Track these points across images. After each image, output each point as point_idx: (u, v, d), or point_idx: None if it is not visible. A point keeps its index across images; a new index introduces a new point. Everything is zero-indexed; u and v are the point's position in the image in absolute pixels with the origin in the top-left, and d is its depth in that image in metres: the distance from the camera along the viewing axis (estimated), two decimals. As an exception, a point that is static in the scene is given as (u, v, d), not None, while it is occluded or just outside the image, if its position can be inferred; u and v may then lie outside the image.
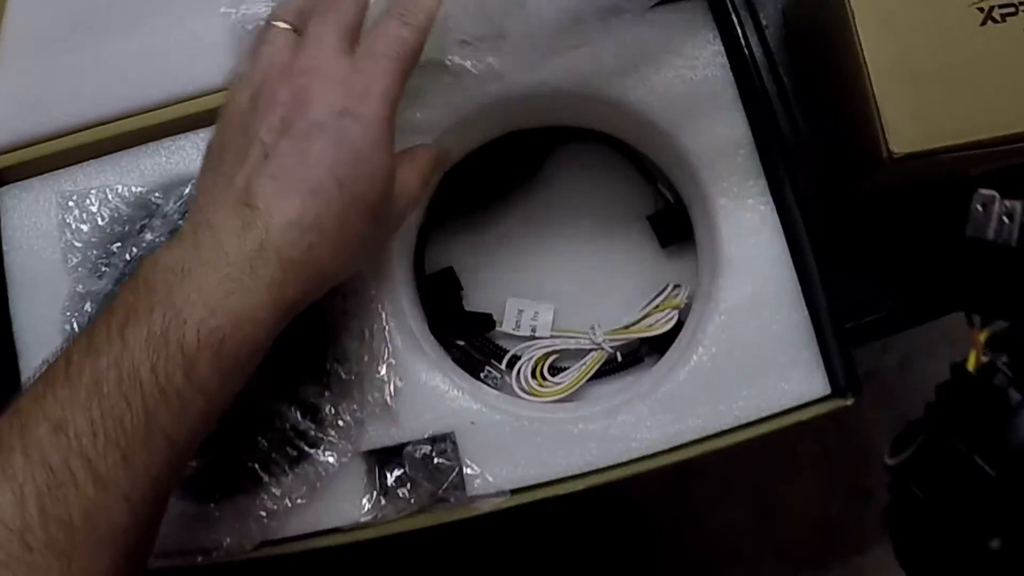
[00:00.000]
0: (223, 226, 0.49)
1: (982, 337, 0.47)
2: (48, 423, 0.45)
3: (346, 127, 0.51)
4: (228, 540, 0.64)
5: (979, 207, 0.51)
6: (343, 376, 0.64)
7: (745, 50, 0.65)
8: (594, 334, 0.71)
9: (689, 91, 0.65)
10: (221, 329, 0.47)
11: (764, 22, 0.78)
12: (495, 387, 0.72)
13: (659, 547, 1.42)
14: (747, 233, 0.64)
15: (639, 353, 0.73)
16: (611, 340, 0.71)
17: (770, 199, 0.64)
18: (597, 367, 0.71)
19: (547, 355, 0.71)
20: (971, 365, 0.46)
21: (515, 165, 0.75)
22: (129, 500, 0.45)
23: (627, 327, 0.71)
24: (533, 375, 0.71)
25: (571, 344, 0.71)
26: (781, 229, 0.64)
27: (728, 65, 0.66)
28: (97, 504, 0.44)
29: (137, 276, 0.49)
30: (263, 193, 0.49)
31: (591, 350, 0.71)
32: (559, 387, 0.70)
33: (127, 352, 0.46)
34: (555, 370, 0.72)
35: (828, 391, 0.62)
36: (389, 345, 0.65)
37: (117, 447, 0.45)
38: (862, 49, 0.64)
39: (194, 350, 0.46)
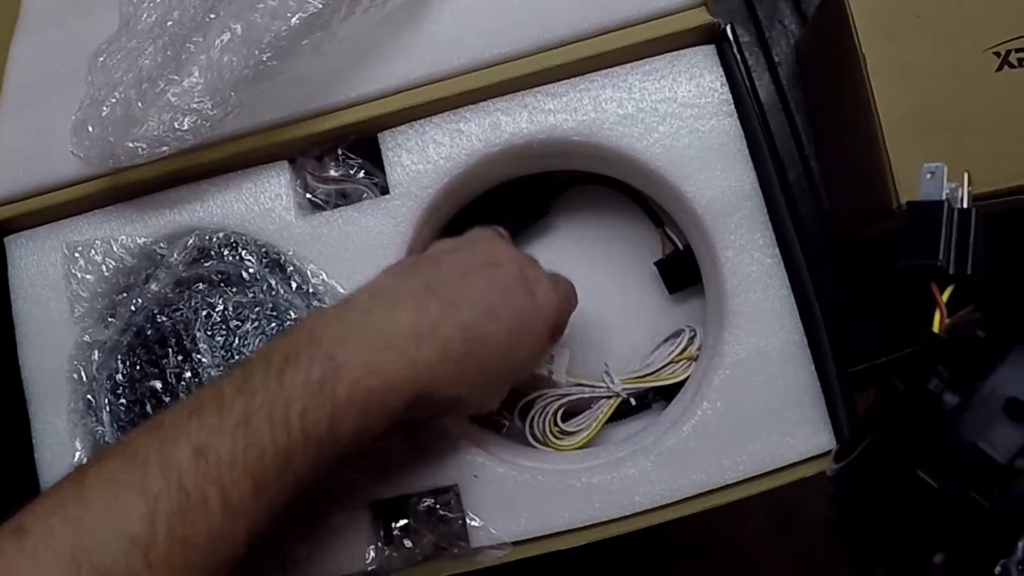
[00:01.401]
0: (400, 303, 0.52)
1: (945, 297, 0.46)
2: (190, 447, 0.46)
3: (535, 289, 0.56)
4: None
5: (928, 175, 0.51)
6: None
7: (752, 100, 0.64)
8: (611, 381, 0.70)
9: (695, 141, 0.65)
10: (373, 391, 0.49)
11: (777, 59, 0.77)
12: (501, 433, 0.72)
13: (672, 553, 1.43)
14: (753, 286, 0.64)
15: (647, 399, 0.72)
16: (627, 388, 0.70)
17: (777, 251, 0.64)
18: (610, 414, 0.70)
19: (563, 404, 0.71)
20: (936, 327, 0.45)
21: (524, 208, 0.75)
22: (250, 532, 0.47)
23: (644, 376, 0.70)
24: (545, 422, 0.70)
25: (587, 392, 0.71)
26: (788, 282, 0.63)
27: (736, 115, 0.65)
28: (223, 531, 0.46)
29: (302, 326, 0.52)
30: (446, 293, 0.53)
31: (606, 397, 0.70)
32: (577, 439, 0.70)
33: (282, 393, 0.48)
34: (566, 415, 0.71)
35: (834, 445, 0.61)
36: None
37: (251, 479, 0.46)
38: (874, 100, 0.64)
39: (344, 404, 0.48)
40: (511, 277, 0.55)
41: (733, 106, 0.65)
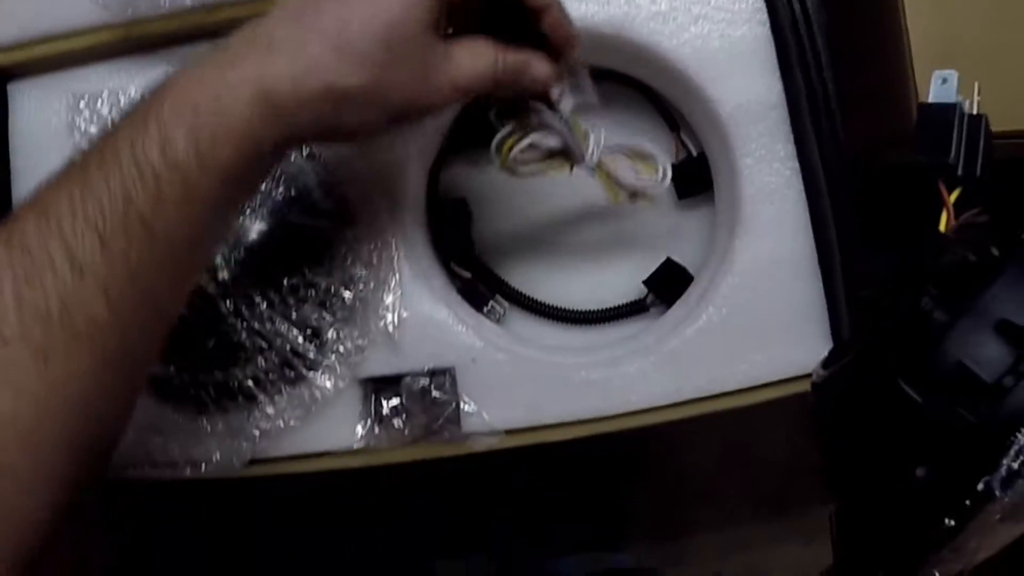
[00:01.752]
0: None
1: (952, 199, 0.46)
2: (34, 211, 0.44)
3: None
4: (218, 455, 0.65)
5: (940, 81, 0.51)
6: (347, 301, 0.64)
7: (787, 9, 0.63)
8: (592, 156, 0.61)
9: (726, 46, 0.65)
10: (193, 99, 0.46)
11: (805, -21, 0.76)
12: (497, 322, 0.72)
13: (626, 478, 1.45)
14: (769, 196, 0.64)
15: (644, 302, 0.72)
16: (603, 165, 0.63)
17: (796, 164, 0.64)
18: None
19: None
20: (943, 226, 0.46)
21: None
22: (107, 294, 0.44)
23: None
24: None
25: (565, 142, 0.60)
26: (804, 196, 0.63)
27: (768, 23, 0.64)
28: (74, 292, 0.43)
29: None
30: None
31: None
32: (523, 170, 0.61)
33: (112, 137, 0.46)
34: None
35: (833, 363, 0.62)
36: (397, 273, 0.65)
37: (95, 231, 0.44)
38: (906, 24, 0.63)
39: (168, 120, 0.45)
40: None
41: (767, 14, 0.64)
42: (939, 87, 0.50)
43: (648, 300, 0.72)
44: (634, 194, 0.63)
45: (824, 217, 0.63)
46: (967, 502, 0.38)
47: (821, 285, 0.63)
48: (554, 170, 0.61)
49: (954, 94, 0.50)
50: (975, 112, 0.51)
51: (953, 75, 0.50)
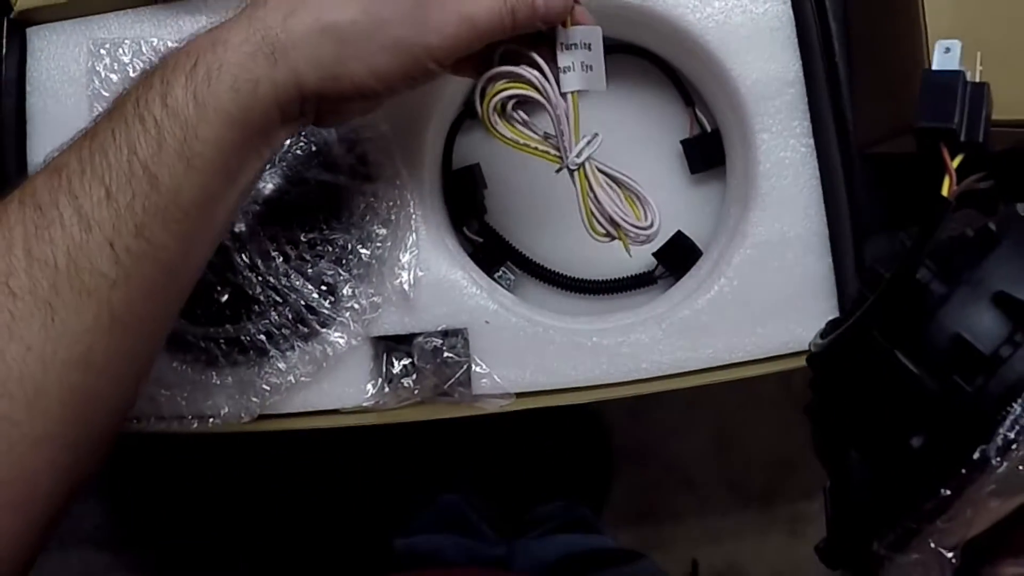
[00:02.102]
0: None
1: (955, 164, 0.47)
2: (47, 170, 0.45)
3: None
4: (226, 409, 0.66)
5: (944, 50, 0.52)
6: (364, 259, 0.65)
7: (809, -8, 0.65)
8: (575, 153, 0.56)
9: (748, 22, 0.66)
10: (194, 52, 0.47)
11: (821, -34, 0.77)
12: (508, 288, 0.73)
13: (611, 464, 1.47)
14: (784, 171, 0.65)
15: (653, 274, 0.73)
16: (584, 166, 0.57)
17: (811, 141, 0.65)
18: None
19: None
20: (945, 191, 0.47)
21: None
22: (113, 247, 0.44)
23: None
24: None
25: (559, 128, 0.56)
26: (818, 173, 0.65)
27: (790, 2, 0.66)
28: (80, 245, 0.44)
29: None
30: None
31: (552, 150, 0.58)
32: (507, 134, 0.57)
33: (121, 99, 0.47)
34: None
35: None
36: (414, 233, 0.66)
37: (101, 183, 0.44)
38: (924, 11, 0.64)
39: (170, 75, 0.46)
40: None
41: (790, -5, 0.66)
42: (942, 55, 0.51)
43: (657, 272, 0.74)
44: (609, 230, 0.57)
45: (837, 194, 0.64)
46: (963, 471, 0.39)
47: (831, 261, 0.65)
48: (538, 154, 0.56)
49: (957, 63, 0.51)
50: (977, 80, 0.52)
51: (956, 44, 0.51)
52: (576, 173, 0.56)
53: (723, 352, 0.64)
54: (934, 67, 0.53)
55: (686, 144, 0.74)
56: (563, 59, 0.54)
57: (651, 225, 0.58)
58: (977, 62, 0.54)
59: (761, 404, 1.45)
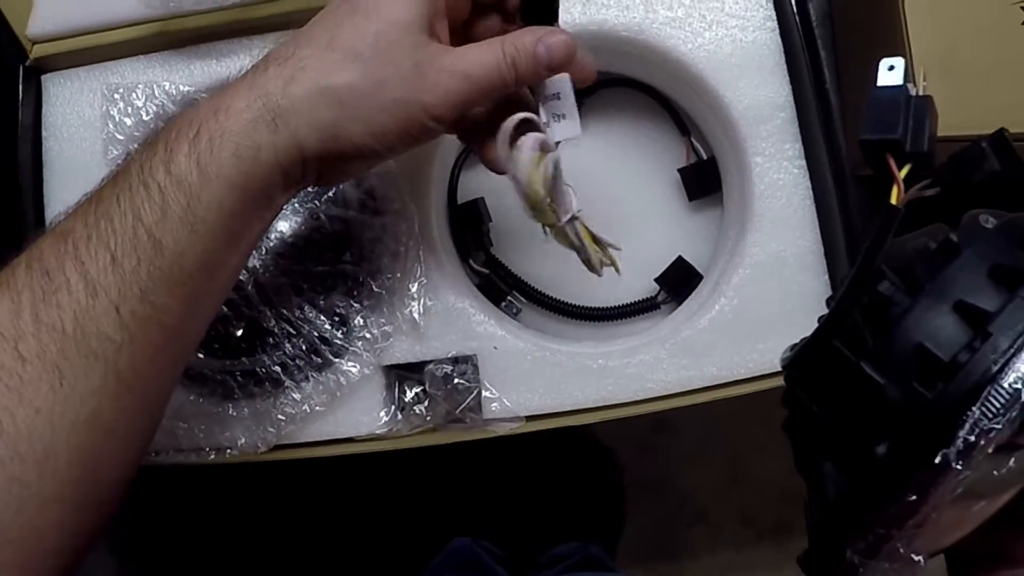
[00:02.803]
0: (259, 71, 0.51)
1: (902, 174, 0.49)
2: (53, 235, 0.47)
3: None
4: (243, 440, 0.68)
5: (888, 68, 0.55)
6: (375, 289, 0.68)
7: (795, 18, 0.68)
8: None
9: (738, 51, 0.69)
10: (197, 119, 0.48)
11: (809, -4, 0.81)
12: (514, 317, 0.75)
13: (624, 499, 1.49)
14: (778, 193, 0.68)
15: (656, 299, 0.76)
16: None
17: (804, 163, 0.69)
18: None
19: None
20: (894, 199, 0.49)
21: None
22: (119, 311, 0.46)
23: None
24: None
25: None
26: (811, 193, 0.68)
27: (778, 30, 0.69)
28: (87, 310, 0.45)
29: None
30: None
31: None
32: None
33: (125, 165, 0.49)
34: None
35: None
36: (422, 264, 0.69)
37: (107, 249, 0.46)
38: (908, 34, 0.67)
39: (173, 142, 0.48)
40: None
41: (776, 22, 0.69)
42: (886, 72, 0.54)
43: (660, 297, 0.77)
44: (589, 249, 0.61)
45: (830, 212, 0.67)
46: (925, 476, 0.39)
47: (827, 278, 0.67)
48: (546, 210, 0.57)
49: (900, 79, 0.54)
50: (920, 94, 0.55)
51: (900, 61, 0.54)
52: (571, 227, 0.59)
53: (725, 369, 0.67)
54: (878, 83, 0.56)
55: (683, 172, 0.77)
56: (543, 113, 0.56)
57: (612, 263, 0.62)
58: (921, 77, 0.57)
59: (774, 436, 1.46)
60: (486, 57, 0.52)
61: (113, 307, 0.46)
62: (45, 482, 0.44)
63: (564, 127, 0.56)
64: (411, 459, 0.69)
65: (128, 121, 0.70)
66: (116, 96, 0.70)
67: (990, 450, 0.38)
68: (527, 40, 0.53)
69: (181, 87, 0.70)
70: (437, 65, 0.51)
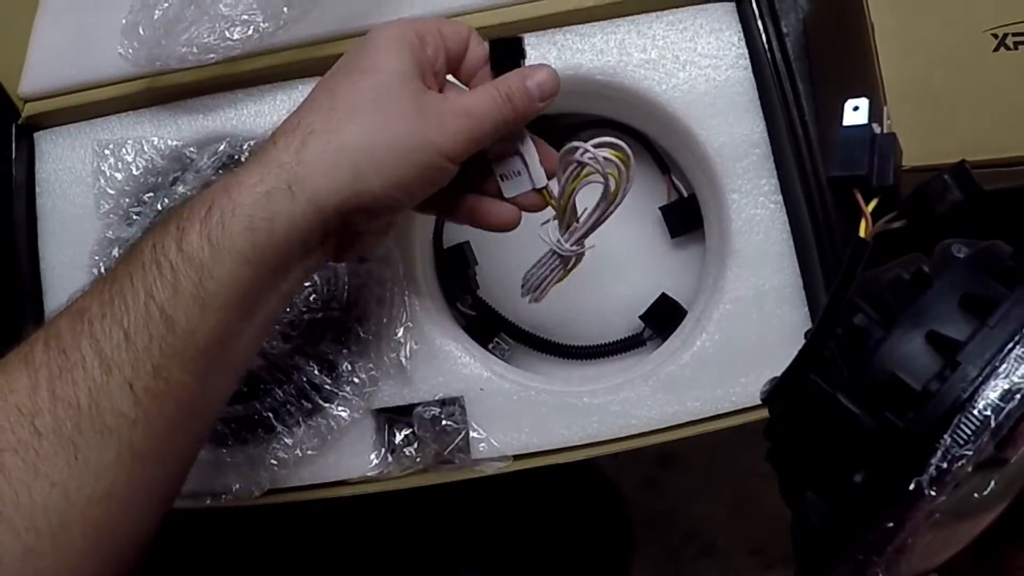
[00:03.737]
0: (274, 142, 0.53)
1: (869, 208, 0.51)
2: (69, 313, 0.49)
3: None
4: (238, 485, 0.70)
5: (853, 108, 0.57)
6: (362, 335, 0.70)
7: (767, 55, 0.71)
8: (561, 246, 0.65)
9: (711, 90, 0.72)
10: (209, 198, 0.50)
11: (786, 30, 0.84)
12: (502, 358, 0.78)
13: (630, 533, 1.50)
14: (755, 228, 0.70)
15: (642, 336, 0.79)
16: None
17: (780, 198, 0.71)
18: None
19: None
20: (862, 232, 0.50)
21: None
22: (132, 388, 0.47)
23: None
24: None
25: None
26: (788, 227, 0.70)
27: (751, 68, 0.72)
28: (101, 387, 0.47)
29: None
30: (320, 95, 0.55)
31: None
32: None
33: (139, 243, 0.51)
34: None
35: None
36: (407, 309, 0.71)
37: (120, 327, 0.48)
38: (879, 64, 0.69)
39: (185, 221, 0.50)
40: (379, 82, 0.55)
41: (748, 60, 0.72)
42: (851, 112, 0.57)
43: (645, 334, 0.79)
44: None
45: (807, 246, 0.69)
46: (900, 503, 0.41)
47: (807, 310, 0.69)
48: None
49: (865, 118, 0.57)
50: (886, 131, 0.58)
51: (864, 102, 0.57)
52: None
53: (708, 404, 0.69)
54: (844, 123, 0.59)
55: (665, 210, 0.80)
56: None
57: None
58: (884, 116, 0.60)
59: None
60: (482, 97, 0.56)
61: (127, 384, 0.47)
62: (60, 554, 0.46)
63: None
64: (412, 496, 0.71)
65: (119, 176, 0.73)
66: (107, 152, 0.73)
67: (970, 469, 0.40)
68: (515, 79, 0.57)
69: (169, 141, 0.73)
70: (439, 107, 0.55)
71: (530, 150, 0.61)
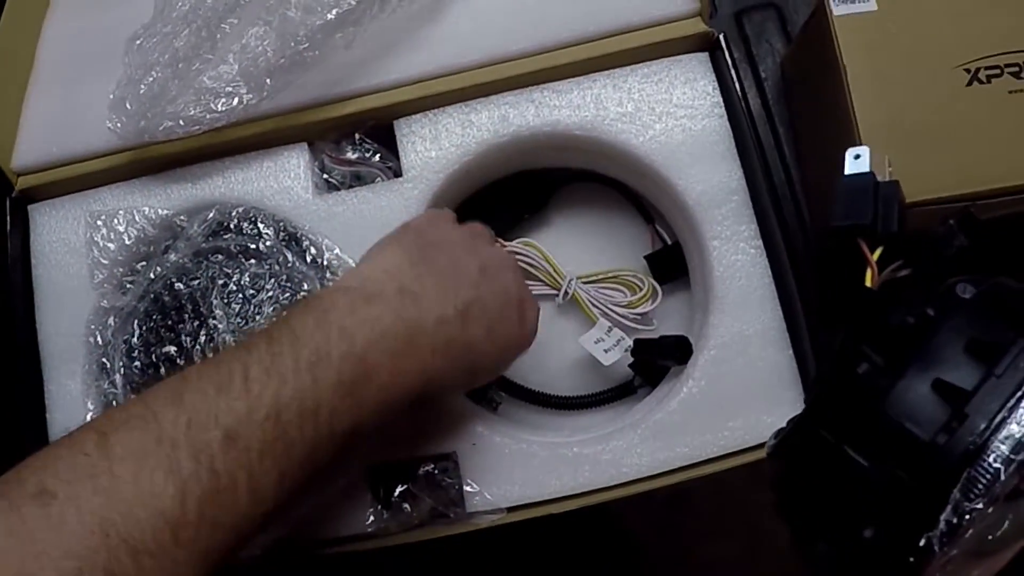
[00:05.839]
0: (425, 304, 0.59)
1: (875, 257, 0.53)
2: (220, 431, 0.49)
3: (525, 316, 0.66)
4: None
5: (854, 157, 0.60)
6: (354, 394, 0.72)
7: (741, 103, 0.74)
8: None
9: (688, 139, 0.75)
10: (394, 393, 0.56)
11: (763, 75, 0.87)
12: (494, 411, 0.81)
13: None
14: (737, 274, 0.73)
15: (632, 384, 0.81)
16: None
17: (760, 243, 0.73)
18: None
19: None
20: (869, 282, 0.51)
21: (522, 201, 0.84)
22: (269, 516, 0.51)
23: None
24: None
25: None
26: (770, 271, 0.73)
27: (726, 116, 0.75)
28: (248, 514, 0.49)
29: (327, 316, 0.55)
30: (460, 296, 0.61)
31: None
32: None
33: (313, 390, 0.52)
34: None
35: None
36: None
37: (278, 470, 0.50)
38: (853, 108, 0.71)
39: (370, 406, 0.55)
40: (511, 298, 0.64)
41: (724, 109, 0.75)
42: (853, 161, 0.60)
43: (636, 383, 0.82)
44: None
45: (789, 289, 0.71)
46: (911, 559, 0.42)
47: (791, 352, 0.71)
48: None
49: (867, 166, 0.59)
50: (888, 179, 0.60)
51: (865, 151, 0.59)
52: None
53: (697, 449, 0.71)
54: (846, 172, 0.61)
55: (650, 259, 0.83)
56: None
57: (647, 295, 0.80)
58: (886, 164, 0.62)
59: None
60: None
61: (266, 515, 0.51)
62: None
63: None
64: (424, 546, 0.73)
65: (111, 246, 0.76)
66: (99, 223, 0.76)
67: (989, 511, 0.41)
68: None
69: (160, 210, 0.76)
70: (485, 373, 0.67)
71: None
